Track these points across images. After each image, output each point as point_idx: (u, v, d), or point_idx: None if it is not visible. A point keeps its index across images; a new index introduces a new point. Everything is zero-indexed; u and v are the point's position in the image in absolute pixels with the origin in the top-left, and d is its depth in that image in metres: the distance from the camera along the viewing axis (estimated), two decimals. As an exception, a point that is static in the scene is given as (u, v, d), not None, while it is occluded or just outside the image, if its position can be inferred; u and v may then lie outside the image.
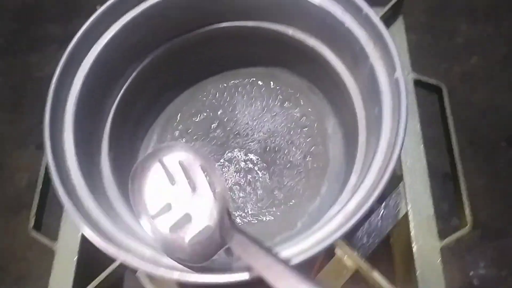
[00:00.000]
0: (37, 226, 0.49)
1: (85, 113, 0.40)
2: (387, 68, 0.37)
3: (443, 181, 0.80)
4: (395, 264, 0.54)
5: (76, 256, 0.46)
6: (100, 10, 0.40)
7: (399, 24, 0.59)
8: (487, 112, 0.87)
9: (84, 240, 0.47)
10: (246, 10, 0.46)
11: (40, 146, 0.90)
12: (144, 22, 0.43)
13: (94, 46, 0.41)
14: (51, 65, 1.07)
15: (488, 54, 0.92)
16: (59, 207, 0.49)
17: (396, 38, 0.56)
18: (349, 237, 0.46)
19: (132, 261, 0.30)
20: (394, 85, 0.36)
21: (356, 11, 0.39)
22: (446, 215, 0.81)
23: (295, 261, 0.29)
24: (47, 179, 0.51)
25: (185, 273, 0.29)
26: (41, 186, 0.50)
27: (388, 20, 0.58)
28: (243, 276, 0.28)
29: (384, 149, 0.34)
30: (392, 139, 0.34)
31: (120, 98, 0.45)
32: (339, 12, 0.41)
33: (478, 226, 0.79)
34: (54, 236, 0.48)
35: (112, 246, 0.30)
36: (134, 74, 0.46)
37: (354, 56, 0.41)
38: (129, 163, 0.48)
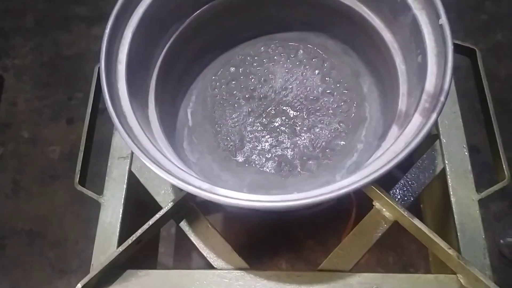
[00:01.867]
0: (82, 182, 0.51)
1: (135, 65, 0.41)
2: (429, 17, 0.38)
3: (470, 154, 0.81)
4: (426, 220, 0.55)
5: (122, 208, 0.48)
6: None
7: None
8: (512, 86, 0.87)
9: (128, 193, 0.49)
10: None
11: (70, 121, 0.94)
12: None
13: (141, 4, 0.42)
14: (80, 44, 1.10)
15: (513, 30, 0.91)
16: (98, 167, 0.52)
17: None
18: (387, 190, 0.47)
19: (190, 189, 0.32)
20: (439, 31, 0.37)
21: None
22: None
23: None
24: (89, 142, 0.53)
25: (241, 200, 0.31)
26: (84, 147, 0.52)
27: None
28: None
29: (431, 92, 0.35)
30: (439, 82, 0.35)
31: (164, 55, 0.47)
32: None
33: (505, 198, 0.79)
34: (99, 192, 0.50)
35: (175, 178, 0.32)
36: (177, 32, 0.48)
37: (393, 10, 0.42)
38: (171, 119, 0.50)
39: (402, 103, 0.41)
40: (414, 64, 0.41)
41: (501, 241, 0.70)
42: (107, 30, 0.39)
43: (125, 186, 0.50)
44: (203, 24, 0.50)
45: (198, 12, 0.49)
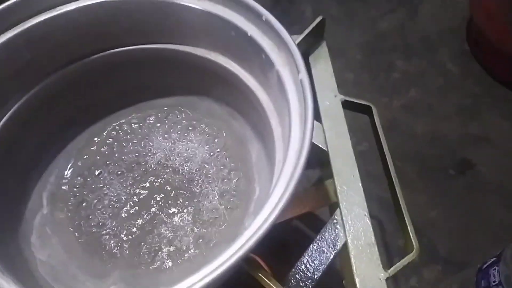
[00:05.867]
0: None
1: None
2: (292, 73, 0.34)
3: (396, 216, 0.76)
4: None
5: None
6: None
7: (323, 49, 0.57)
8: (431, 142, 0.85)
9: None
10: (145, 31, 0.42)
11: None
12: (26, 45, 0.38)
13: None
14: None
15: (425, 87, 0.93)
16: None
17: (321, 62, 0.55)
18: (285, 271, 0.39)
19: None
20: (300, 89, 0.32)
21: (257, 18, 0.36)
22: (403, 250, 0.75)
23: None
24: None
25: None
26: None
27: (312, 45, 0.56)
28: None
29: (292, 159, 0.29)
30: (299, 149, 0.29)
31: None
32: (241, 22, 0.38)
33: (437, 261, 0.73)
34: None
35: None
36: (18, 104, 0.40)
37: (262, 66, 0.37)
38: (15, 208, 0.41)
39: (277, 172, 0.35)
40: (286, 126, 0.35)
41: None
42: None
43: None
44: (57, 94, 0.43)
45: (47, 80, 0.42)
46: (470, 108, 0.89)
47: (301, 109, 0.32)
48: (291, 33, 0.36)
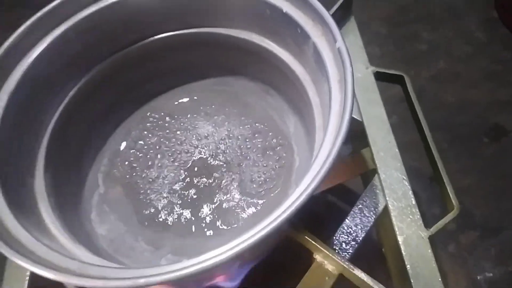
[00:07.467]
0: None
1: (12, 133, 0.36)
2: (329, 42, 0.35)
3: (430, 185, 0.76)
4: (390, 269, 0.48)
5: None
6: (28, 22, 0.38)
7: (352, 23, 0.58)
8: (460, 110, 0.85)
9: (31, 281, 0.42)
10: (180, 17, 0.45)
11: None
12: (77, 37, 0.41)
13: (22, 61, 0.38)
14: None
15: (452, 55, 0.92)
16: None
17: (350, 36, 0.56)
18: (326, 239, 0.41)
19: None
20: (338, 56, 0.33)
21: (291, -6, 0.38)
22: (439, 218, 0.75)
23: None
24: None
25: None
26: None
27: (340, 21, 0.57)
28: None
29: (335, 122, 0.31)
30: (341, 110, 0.31)
31: (58, 119, 0.42)
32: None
33: (474, 227, 0.74)
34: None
35: (53, 273, 0.26)
36: (73, 91, 0.43)
37: (297, 40, 0.39)
38: (75, 188, 0.44)
39: (319, 138, 0.37)
40: (325, 94, 0.37)
41: (478, 277, 0.63)
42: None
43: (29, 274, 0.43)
44: (105, 81, 0.46)
45: (97, 68, 0.45)
46: (500, 74, 0.88)
47: (340, 75, 0.33)
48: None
